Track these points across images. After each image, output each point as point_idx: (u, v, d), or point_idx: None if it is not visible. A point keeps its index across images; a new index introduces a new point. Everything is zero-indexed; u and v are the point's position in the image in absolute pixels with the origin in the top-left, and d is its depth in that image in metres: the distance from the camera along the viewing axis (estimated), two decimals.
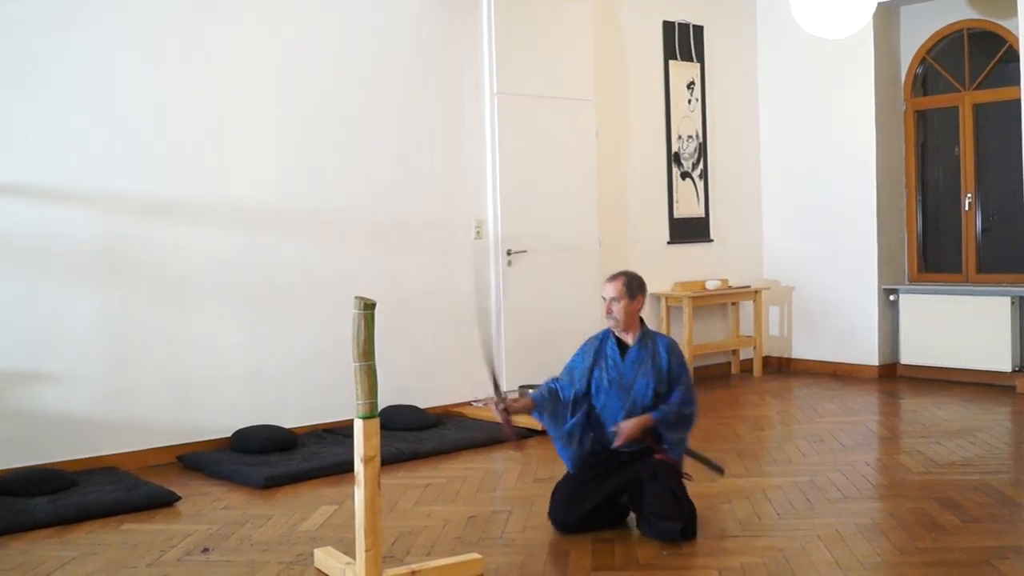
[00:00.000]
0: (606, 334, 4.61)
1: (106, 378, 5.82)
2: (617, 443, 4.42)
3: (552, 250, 7.63)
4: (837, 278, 8.75)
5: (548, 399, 4.52)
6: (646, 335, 4.56)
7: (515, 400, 4.57)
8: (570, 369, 4.60)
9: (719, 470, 4.73)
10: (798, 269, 9.07)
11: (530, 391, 4.74)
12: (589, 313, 7.74)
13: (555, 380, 4.60)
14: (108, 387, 5.82)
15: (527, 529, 4.50)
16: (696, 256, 8.81)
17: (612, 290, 4.52)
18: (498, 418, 4.40)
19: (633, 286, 4.53)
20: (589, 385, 4.52)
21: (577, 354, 4.63)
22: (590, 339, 4.66)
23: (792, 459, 5.72)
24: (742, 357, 9.06)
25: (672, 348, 4.56)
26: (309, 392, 6.55)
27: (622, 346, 4.55)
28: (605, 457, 4.52)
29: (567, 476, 4.56)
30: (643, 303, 4.59)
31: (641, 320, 4.60)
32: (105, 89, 5.82)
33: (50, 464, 5.51)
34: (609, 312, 4.53)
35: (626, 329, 4.55)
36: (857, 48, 8.40)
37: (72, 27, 5.71)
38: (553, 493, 4.54)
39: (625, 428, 4.41)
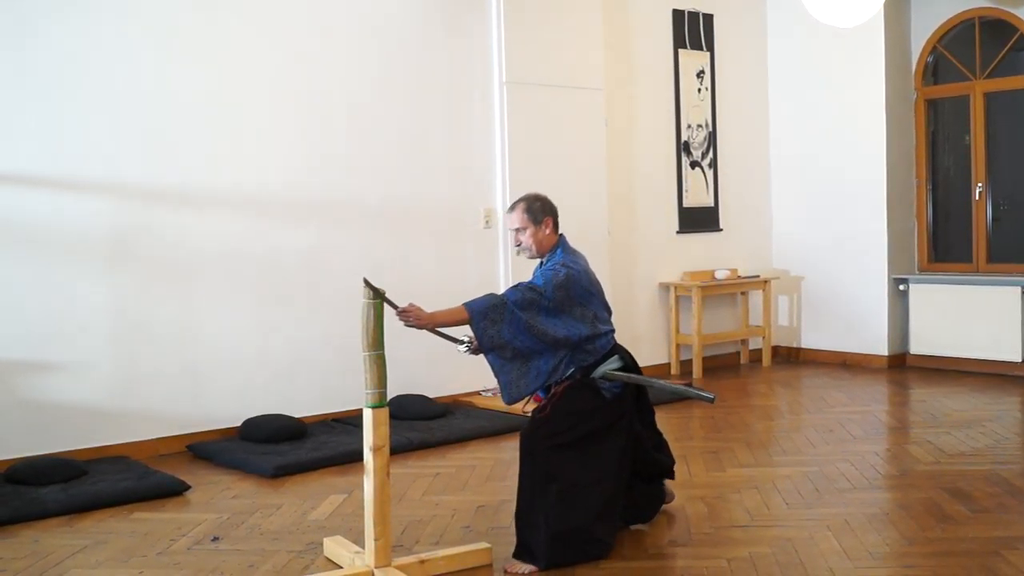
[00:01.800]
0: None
1: (115, 367, 5.83)
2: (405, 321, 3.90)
3: None
4: (846, 268, 8.72)
5: None
6: (553, 253, 4.20)
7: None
8: None
9: (709, 399, 4.24)
10: (807, 258, 9.04)
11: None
12: None
13: None
14: (117, 376, 5.84)
15: None
16: (705, 246, 8.80)
17: (515, 221, 4.16)
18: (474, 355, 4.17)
19: (535, 210, 4.16)
20: None
21: None
22: None
23: (801, 449, 5.71)
24: (751, 347, 9.05)
25: (561, 262, 4.09)
26: (318, 381, 6.56)
27: None
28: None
29: None
30: (553, 223, 4.19)
31: (559, 241, 4.23)
32: (113, 77, 5.82)
33: (60, 453, 5.54)
34: (518, 243, 4.20)
35: (540, 255, 4.22)
36: (867, 36, 8.36)
37: (80, 15, 5.71)
38: None
39: (414, 310, 3.90)
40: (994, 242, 8.37)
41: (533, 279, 4.08)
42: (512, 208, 4.22)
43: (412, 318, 3.87)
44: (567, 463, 3.96)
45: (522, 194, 4.29)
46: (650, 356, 8.37)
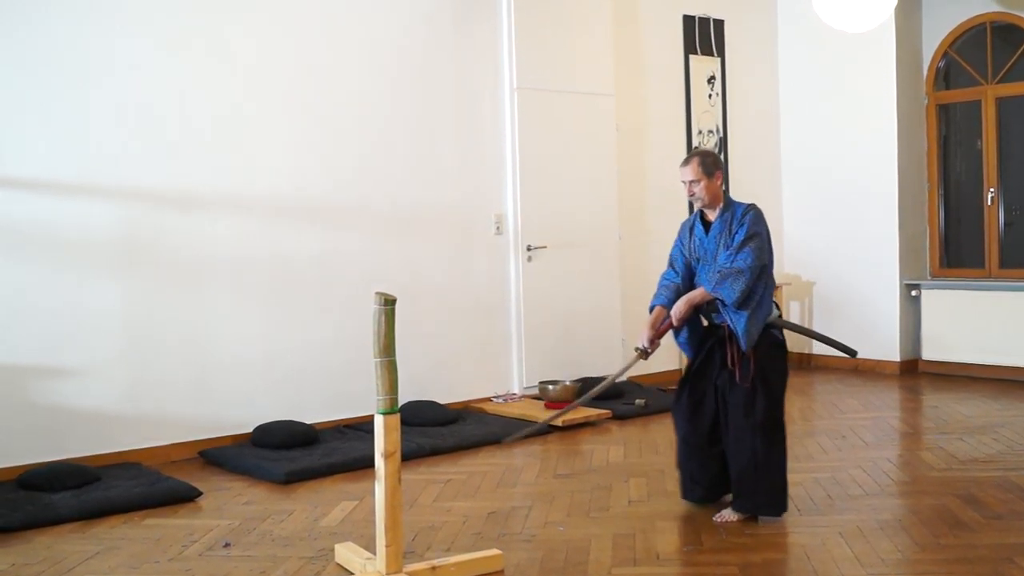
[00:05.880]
0: (695, 215, 4.70)
1: (127, 373, 5.85)
2: (675, 324, 4.54)
3: (572, 245, 7.63)
4: (858, 273, 8.70)
5: (675, 297, 4.63)
6: (727, 207, 4.60)
7: (657, 334, 4.60)
8: (672, 259, 4.75)
9: (851, 352, 4.77)
10: (819, 264, 9.02)
11: (657, 303, 4.72)
12: (609, 308, 7.74)
13: (666, 277, 4.74)
14: (129, 382, 5.86)
15: (547, 525, 4.51)
16: None
17: (689, 173, 4.56)
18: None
19: (708, 163, 4.56)
20: (690, 266, 4.68)
21: (675, 242, 4.77)
22: (683, 224, 4.78)
23: (813, 455, 5.70)
24: None
25: (747, 212, 4.54)
26: (329, 387, 6.56)
27: (706, 223, 4.64)
28: (708, 332, 4.67)
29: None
30: (722, 177, 4.63)
31: (725, 193, 4.66)
32: (123, 81, 5.84)
33: (73, 459, 5.56)
34: (692, 194, 4.58)
35: (711, 205, 4.60)
36: (879, 41, 8.35)
37: (90, 19, 5.73)
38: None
39: (676, 309, 4.50)
40: (1006, 247, 8.34)
41: (742, 229, 4.47)
42: (687, 162, 4.60)
43: (676, 318, 4.50)
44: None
45: (695, 149, 4.71)
46: (662, 361, 8.35)
